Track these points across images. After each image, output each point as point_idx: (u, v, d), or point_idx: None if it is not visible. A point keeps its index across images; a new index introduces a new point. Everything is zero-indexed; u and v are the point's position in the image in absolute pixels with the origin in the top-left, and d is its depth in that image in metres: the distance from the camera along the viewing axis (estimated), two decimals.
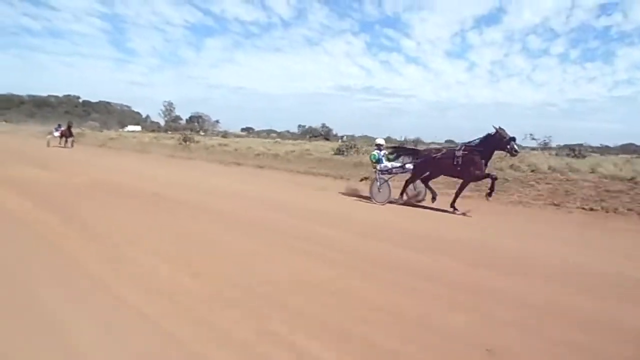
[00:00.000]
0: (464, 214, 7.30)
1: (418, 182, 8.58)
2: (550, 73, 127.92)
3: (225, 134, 50.33)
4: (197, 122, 70.76)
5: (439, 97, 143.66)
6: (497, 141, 7.22)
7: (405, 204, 8.43)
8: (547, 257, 4.75)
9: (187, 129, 50.63)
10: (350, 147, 18.40)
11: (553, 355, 2.49)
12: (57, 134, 23.71)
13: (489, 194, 7.43)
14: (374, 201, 8.39)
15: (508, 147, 7.09)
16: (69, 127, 23.44)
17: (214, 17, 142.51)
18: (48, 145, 22.62)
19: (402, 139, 28.40)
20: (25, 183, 8.58)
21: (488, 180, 7.55)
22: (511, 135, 7.18)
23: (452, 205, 7.49)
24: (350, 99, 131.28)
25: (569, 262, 4.56)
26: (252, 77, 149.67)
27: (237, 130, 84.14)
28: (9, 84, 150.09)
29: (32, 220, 5.41)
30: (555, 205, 8.10)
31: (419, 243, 5.10)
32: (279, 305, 3.01)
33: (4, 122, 41.26)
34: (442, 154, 8.04)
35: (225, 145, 25.46)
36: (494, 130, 7.28)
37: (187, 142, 25.59)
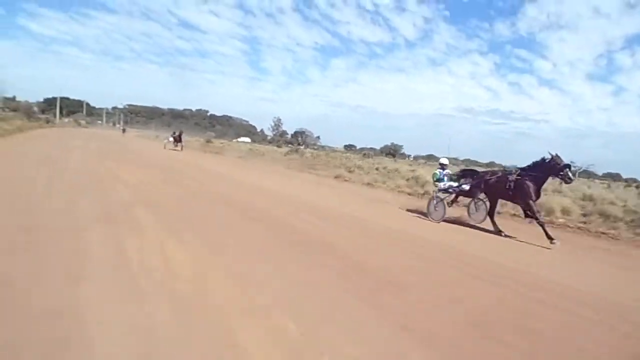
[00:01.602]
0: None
1: (480, 204, 8.34)
2: None
3: (322, 148, 51.75)
4: (300, 137, 74.89)
5: (575, 123, 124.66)
6: (552, 167, 7.06)
7: (458, 222, 8.19)
8: None
9: (290, 143, 53.73)
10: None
11: None
12: (171, 139, 27.14)
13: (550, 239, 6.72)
14: (430, 218, 8.35)
15: (561, 173, 6.95)
16: (180, 135, 26.66)
17: (340, 38, 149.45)
18: (164, 147, 26.07)
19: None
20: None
21: None
22: (566, 162, 7.10)
23: (548, 236, 6.66)
24: (473, 121, 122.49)
25: None
26: (372, 96, 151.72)
27: (340, 147, 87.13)
28: (157, 98, 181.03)
29: None
30: None
31: None
32: None
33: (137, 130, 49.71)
34: (497, 177, 7.93)
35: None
36: (549, 156, 7.13)
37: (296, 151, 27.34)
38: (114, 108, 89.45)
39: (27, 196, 5.97)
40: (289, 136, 78.73)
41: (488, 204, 8.16)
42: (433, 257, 4.95)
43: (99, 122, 78.18)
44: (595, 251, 6.63)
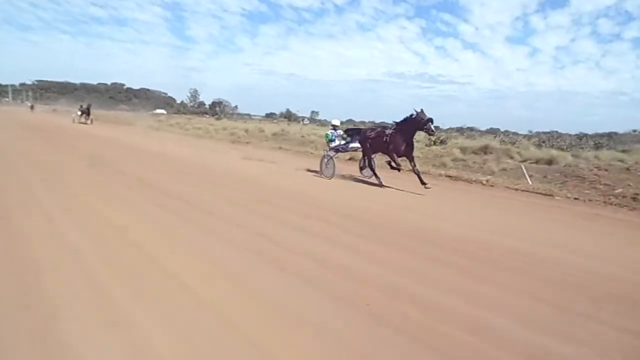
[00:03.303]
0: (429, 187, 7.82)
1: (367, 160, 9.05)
2: (623, 59, 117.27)
3: (237, 118, 57.68)
4: (218, 107, 79.65)
5: (497, 84, 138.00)
6: (418, 121, 7.78)
7: (358, 180, 9.08)
8: None
9: (206, 113, 59.37)
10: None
11: None
12: (79, 113, 31.80)
13: (422, 183, 7.87)
14: (322, 176, 9.06)
15: (425, 127, 7.69)
16: (87, 108, 31.45)
17: (267, 3, 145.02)
18: (73, 122, 30.47)
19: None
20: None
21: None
22: (429, 117, 7.70)
23: (422, 183, 7.85)
24: (403, 86, 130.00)
25: None
26: (304, 64, 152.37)
27: (260, 115, 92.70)
28: (69, 72, 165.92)
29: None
30: None
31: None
32: None
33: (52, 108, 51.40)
34: (376, 132, 8.64)
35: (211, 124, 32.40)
36: (414, 113, 7.82)
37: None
38: (22, 84, 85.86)
39: None
40: (207, 107, 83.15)
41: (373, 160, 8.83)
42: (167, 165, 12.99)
43: (6, 99, 76.31)
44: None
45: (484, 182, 9.42)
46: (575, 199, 7.96)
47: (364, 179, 9.17)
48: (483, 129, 33.58)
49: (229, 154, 13.96)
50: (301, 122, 46.17)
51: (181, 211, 5.23)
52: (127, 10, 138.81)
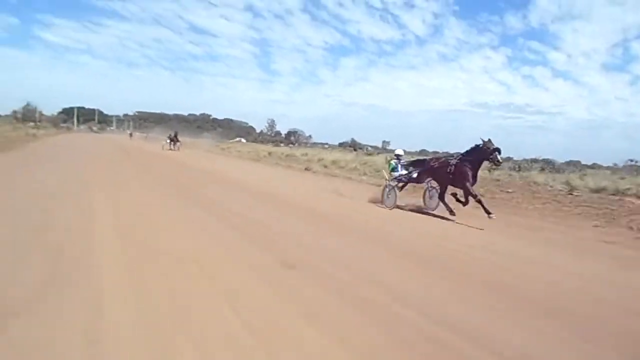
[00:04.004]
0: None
1: (433, 192, 8.74)
2: None
3: (311, 146, 58.15)
4: (292, 136, 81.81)
5: (591, 114, 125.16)
6: (484, 151, 7.50)
7: (414, 210, 8.67)
8: None
9: (281, 142, 60.84)
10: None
11: None
12: (168, 141, 33.66)
13: (461, 202, 7.81)
14: (384, 205, 8.80)
15: (491, 157, 7.40)
16: (175, 136, 33.14)
17: (350, 37, 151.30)
18: (162, 149, 32.51)
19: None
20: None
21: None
22: (496, 146, 7.43)
23: (487, 212, 7.32)
24: (486, 116, 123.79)
25: None
26: (384, 94, 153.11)
27: (334, 144, 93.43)
28: (165, 104, 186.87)
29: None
30: None
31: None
32: None
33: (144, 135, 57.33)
34: (439, 162, 8.34)
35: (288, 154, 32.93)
36: (481, 142, 7.62)
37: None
38: (125, 115, 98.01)
39: (60, 156, 13.07)
40: (283, 136, 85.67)
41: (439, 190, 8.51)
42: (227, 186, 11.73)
43: (111, 128, 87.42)
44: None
45: None
46: None
47: (429, 211, 8.56)
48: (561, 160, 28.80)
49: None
50: (362, 150, 45.73)
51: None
52: (220, 47, 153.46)
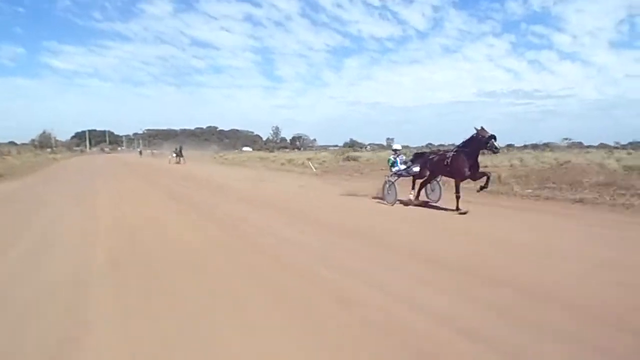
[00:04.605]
0: (465, 212, 7.23)
1: (435, 184, 8.76)
2: None
3: (316, 149, 59.77)
4: (298, 142, 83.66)
5: (602, 94, 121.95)
6: (479, 140, 7.38)
7: (420, 205, 8.54)
8: None
9: (285, 147, 62.74)
10: None
11: None
12: (174, 155, 35.37)
13: (482, 188, 7.68)
14: (385, 201, 8.78)
15: (488, 145, 7.29)
16: (180, 150, 34.85)
17: (350, 37, 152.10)
18: (169, 162, 34.17)
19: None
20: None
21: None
22: (491, 134, 7.31)
23: (457, 207, 7.43)
24: (496, 105, 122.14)
25: None
26: (389, 91, 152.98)
27: (340, 145, 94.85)
28: (172, 120, 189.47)
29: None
30: None
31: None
32: None
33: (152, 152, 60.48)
34: (438, 155, 8.28)
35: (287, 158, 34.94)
36: (475, 131, 7.49)
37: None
38: (135, 134, 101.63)
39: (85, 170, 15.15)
40: (288, 141, 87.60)
41: (440, 183, 8.66)
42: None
43: (120, 148, 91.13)
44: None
45: None
46: None
47: (433, 203, 8.60)
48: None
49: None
50: (362, 149, 47.80)
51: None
52: (223, 59, 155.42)
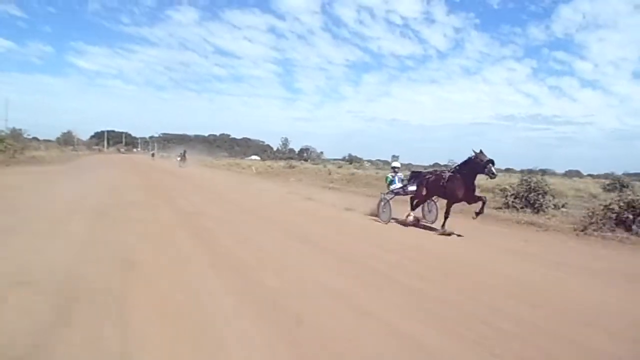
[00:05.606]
0: (450, 234, 7.33)
1: (432, 205, 8.77)
2: None
3: (321, 162, 61.75)
4: (305, 153, 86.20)
5: (623, 124, 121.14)
6: (477, 164, 7.34)
7: (415, 225, 8.46)
8: None
9: (292, 158, 65.16)
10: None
11: None
12: (179, 158, 37.90)
13: (477, 214, 7.53)
14: (380, 219, 8.74)
15: (485, 169, 7.20)
16: (184, 154, 37.40)
17: (370, 53, 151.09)
18: (179, 165, 35.79)
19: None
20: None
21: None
22: (489, 158, 7.25)
23: (442, 225, 7.51)
24: (513, 129, 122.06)
25: None
26: (406, 109, 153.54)
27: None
28: (187, 125, 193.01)
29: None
30: None
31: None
32: None
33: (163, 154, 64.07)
34: (435, 175, 8.25)
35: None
36: (473, 154, 7.44)
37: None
38: (151, 137, 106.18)
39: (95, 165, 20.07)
40: (296, 153, 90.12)
41: (438, 204, 8.52)
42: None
43: (135, 149, 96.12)
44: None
45: None
46: None
47: (429, 224, 8.57)
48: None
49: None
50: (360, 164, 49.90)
51: None
52: (244, 68, 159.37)
